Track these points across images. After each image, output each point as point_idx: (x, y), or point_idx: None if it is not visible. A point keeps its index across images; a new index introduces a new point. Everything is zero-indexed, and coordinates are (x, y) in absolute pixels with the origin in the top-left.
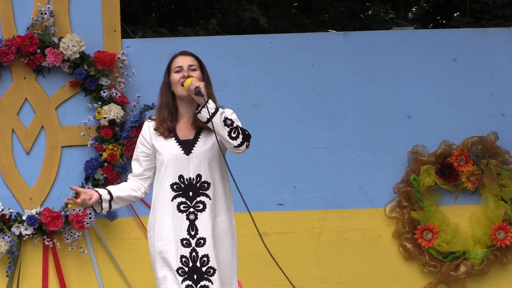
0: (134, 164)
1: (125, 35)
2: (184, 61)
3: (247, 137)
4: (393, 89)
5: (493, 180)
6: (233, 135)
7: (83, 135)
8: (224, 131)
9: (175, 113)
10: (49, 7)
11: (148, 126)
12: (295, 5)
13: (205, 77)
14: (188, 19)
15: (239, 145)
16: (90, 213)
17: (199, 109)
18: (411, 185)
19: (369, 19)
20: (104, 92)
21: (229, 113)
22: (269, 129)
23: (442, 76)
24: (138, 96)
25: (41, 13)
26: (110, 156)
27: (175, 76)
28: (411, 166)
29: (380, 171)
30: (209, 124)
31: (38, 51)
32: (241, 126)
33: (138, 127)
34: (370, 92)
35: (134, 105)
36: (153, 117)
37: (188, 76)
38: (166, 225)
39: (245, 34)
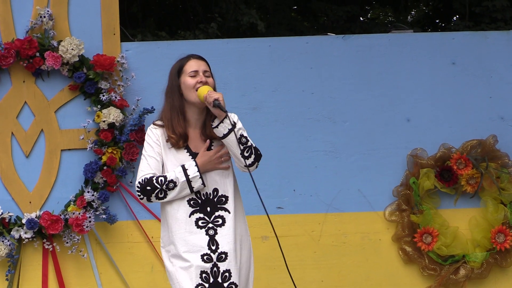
0: (151, 161)
1: (124, 38)
2: (199, 66)
3: (258, 158)
4: (392, 93)
5: (493, 183)
6: (246, 154)
7: (83, 138)
8: (237, 149)
9: (184, 119)
10: (48, 11)
11: (157, 134)
12: (294, 9)
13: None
14: (187, 22)
15: (250, 165)
16: (89, 217)
17: (217, 124)
18: (411, 188)
19: (368, 23)
20: (103, 96)
21: (238, 126)
22: (268, 132)
23: (441, 80)
24: (138, 100)
25: (40, 17)
26: (110, 160)
27: (190, 81)
28: (411, 170)
29: (379, 174)
30: (224, 140)
31: (37, 54)
32: (254, 145)
33: (137, 131)
34: (369, 95)
35: (134, 109)
36: (158, 123)
37: (206, 83)
38: (185, 242)
39: (244, 38)
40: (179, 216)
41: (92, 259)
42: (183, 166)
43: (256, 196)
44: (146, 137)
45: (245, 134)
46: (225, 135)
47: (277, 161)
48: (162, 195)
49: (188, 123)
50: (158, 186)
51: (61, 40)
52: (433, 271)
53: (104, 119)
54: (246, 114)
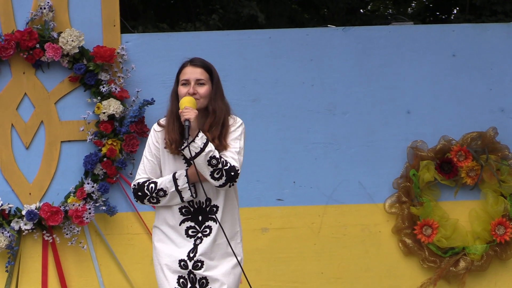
0: (148, 165)
1: (124, 30)
2: (192, 74)
3: (232, 178)
4: (393, 85)
5: (493, 175)
6: (216, 176)
7: (83, 130)
8: (206, 171)
9: (180, 126)
10: (48, 2)
11: (158, 136)
12: (295, 1)
13: (214, 88)
14: (188, 14)
15: (221, 186)
16: (89, 208)
17: (183, 147)
18: (411, 180)
19: (368, 15)
20: (103, 87)
21: (235, 135)
22: (268, 124)
23: (441, 72)
24: (138, 91)
25: (41, 8)
26: (110, 151)
27: (182, 89)
28: (411, 162)
29: (379, 166)
30: (193, 161)
31: (38, 46)
32: (229, 165)
33: (137, 122)
34: (370, 87)
35: (134, 100)
36: (163, 123)
37: (194, 93)
38: (171, 249)
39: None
40: (171, 222)
41: (92, 251)
42: (173, 175)
43: (256, 188)
44: (149, 136)
45: (217, 155)
46: (190, 159)
47: (277, 153)
48: (154, 201)
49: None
50: (148, 194)
51: (61, 32)
52: (433, 263)
53: (104, 111)
54: (246, 106)
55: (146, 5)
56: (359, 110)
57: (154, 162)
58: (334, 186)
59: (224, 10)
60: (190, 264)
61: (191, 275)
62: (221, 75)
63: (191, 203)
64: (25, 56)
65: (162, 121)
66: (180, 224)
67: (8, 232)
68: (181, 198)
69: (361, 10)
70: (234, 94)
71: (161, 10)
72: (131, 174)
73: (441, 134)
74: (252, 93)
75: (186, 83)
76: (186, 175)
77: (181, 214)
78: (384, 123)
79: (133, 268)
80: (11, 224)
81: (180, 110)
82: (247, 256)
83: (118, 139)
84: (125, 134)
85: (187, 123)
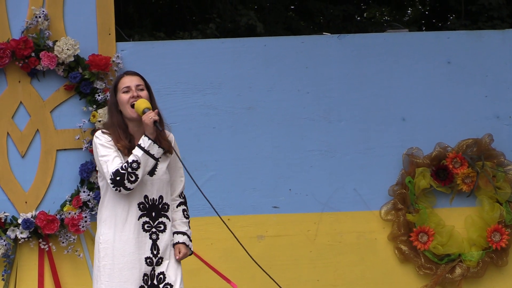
0: (114, 153)
1: (120, 38)
2: (131, 81)
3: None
4: (388, 92)
5: (488, 182)
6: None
7: (78, 138)
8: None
9: (127, 133)
10: (43, 11)
11: (110, 139)
12: (291, 8)
13: (151, 95)
14: (184, 23)
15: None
16: (85, 217)
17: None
18: (406, 187)
19: (364, 22)
20: (99, 96)
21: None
22: (263, 132)
23: (436, 79)
24: None
25: (36, 17)
26: None
27: (124, 97)
28: (406, 169)
29: (375, 173)
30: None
31: (33, 54)
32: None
33: None
34: (365, 94)
35: None
36: (107, 132)
37: (138, 96)
38: (131, 243)
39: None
40: (129, 218)
41: (88, 259)
42: (137, 144)
43: (251, 195)
44: (97, 140)
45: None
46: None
47: (272, 160)
48: (133, 178)
49: (132, 136)
50: (125, 172)
51: (57, 40)
52: (429, 270)
53: (100, 119)
54: (241, 113)
55: (141, 14)
56: (355, 118)
57: (120, 157)
58: (330, 194)
59: (221, 19)
60: (154, 261)
61: (152, 271)
62: (216, 83)
63: (146, 199)
64: (20, 64)
65: (105, 130)
66: (138, 219)
67: (4, 241)
68: (152, 156)
69: (357, 17)
70: (229, 102)
71: (157, 19)
72: None
73: (437, 141)
74: (247, 101)
75: (128, 90)
76: (146, 136)
77: (139, 210)
78: (380, 130)
79: None
80: (7, 232)
81: (145, 114)
82: (242, 264)
83: None
84: None
85: (157, 124)
